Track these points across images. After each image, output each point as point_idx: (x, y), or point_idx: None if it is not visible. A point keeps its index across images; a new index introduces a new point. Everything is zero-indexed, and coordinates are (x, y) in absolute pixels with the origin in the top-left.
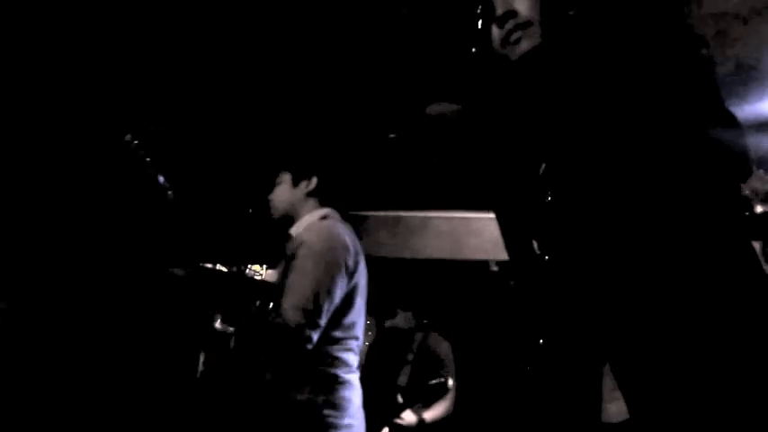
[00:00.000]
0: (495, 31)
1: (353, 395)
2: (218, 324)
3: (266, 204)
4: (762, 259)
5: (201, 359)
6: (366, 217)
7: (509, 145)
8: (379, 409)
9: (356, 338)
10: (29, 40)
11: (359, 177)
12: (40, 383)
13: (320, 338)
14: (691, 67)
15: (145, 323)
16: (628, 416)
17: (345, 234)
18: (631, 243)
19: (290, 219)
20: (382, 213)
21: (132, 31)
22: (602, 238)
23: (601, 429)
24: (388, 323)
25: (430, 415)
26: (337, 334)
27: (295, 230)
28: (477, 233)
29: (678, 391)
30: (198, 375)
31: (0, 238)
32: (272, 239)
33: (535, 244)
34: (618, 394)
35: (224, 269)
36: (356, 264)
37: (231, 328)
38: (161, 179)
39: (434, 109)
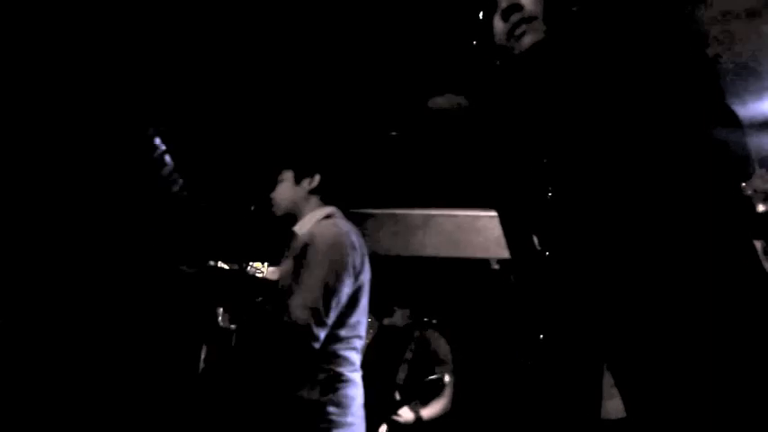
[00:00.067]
0: (499, 24)
1: (356, 393)
2: (221, 320)
3: (268, 202)
4: (763, 258)
5: (203, 356)
6: (367, 215)
7: (511, 141)
8: (377, 407)
9: (360, 337)
10: (36, 38)
11: (360, 175)
12: (41, 377)
13: (326, 337)
14: (694, 66)
15: (147, 319)
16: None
17: (352, 233)
18: (632, 241)
19: (292, 217)
20: (384, 211)
21: (134, 30)
22: (604, 236)
23: (600, 426)
24: (386, 321)
25: (427, 412)
26: (342, 333)
27: (299, 228)
28: (478, 231)
29: (677, 389)
30: (199, 372)
31: (3, 232)
32: (274, 237)
33: (536, 241)
34: (617, 391)
35: (225, 267)
36: (362, 263)
37: (233, 326)
38: (175, 175)
39: (437, 102)
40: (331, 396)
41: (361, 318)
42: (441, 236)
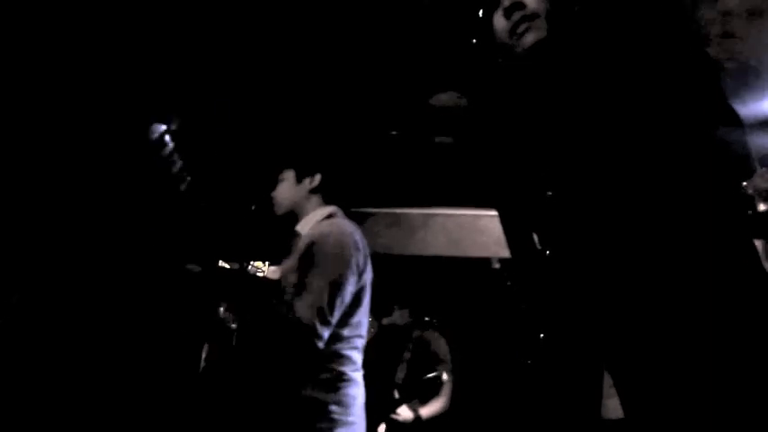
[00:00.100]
0: (501, 22)
1: (358, 393)
2: (222, 315)
3: (269, 201)
4: (764, 257)
5: (204, 355)
6: (368, 214)
7: (511, 140)
8: (376, 406)
9: (361, 337)
10: (43, 36)
11: (361, 174)
12: (47, 375)
13: (329, 336)
14: (695, 66)
15: (149, 318)
16: None
17: (355, 233)
18: (632, 240)
19: (293, 216)
20: (384, 210)
21: (136, 29)
22: (604, 235)
23: (600, 425)
24: (385, 320)
25: (426, 411)
26: (345, 332)
27: (301, 228)
28: (479, 230)
29: (677, 388)
30: (200, 370)
31: (11, 231)
32: (275, 237)
33: (536, 240)
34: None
35: (226, 266)
36: (365, 263)
37: (234, 325)
38: (175, 155)
39: (439, 100)
40: (333, 395)
41: (363, 317)
42: (441, 235)
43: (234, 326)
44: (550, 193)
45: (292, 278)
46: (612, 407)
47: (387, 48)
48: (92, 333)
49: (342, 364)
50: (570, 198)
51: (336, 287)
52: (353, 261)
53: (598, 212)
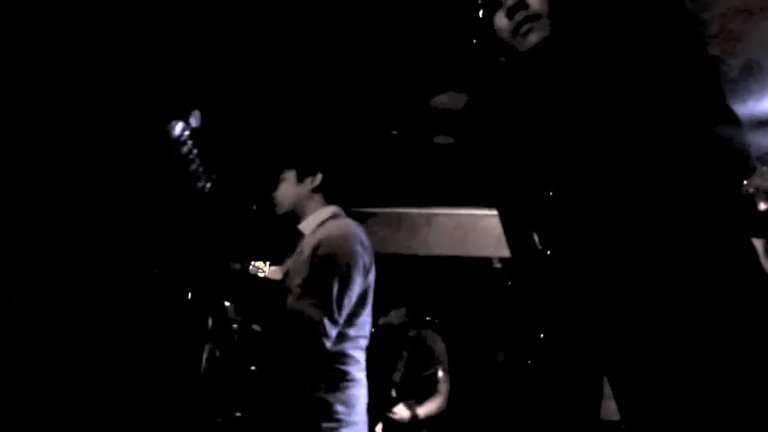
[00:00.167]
0: (504, 22)
1: (362, 393)
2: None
3: (270, 201)
4: (764, 256)
5: (205, 355)
6: (369, 213)
7: (513, 140)
8: (373, 405)
9: (366, 337)
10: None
11: (362, 174)
12: (47, 375)
13: (336, 336)
14: (695, 65)
15: (149, 317)
16: None
17: (361, 233)
18: (632, 239)
19: (294, 215)
20: (385, 210)
21: (135, 28)
22: (604, 235)
23: (600, 426)
24: (381, 320)
25: (423, 410)
26: (352, 332)
27: (305, 227)
28: (480, 230)
29: (675, 389)
30: (201, 371)
31: (12, 231)
32: (276, 237)
33: (537, 240)
34: None
35: (235, 266)
36: (371, 262)
37: (234, 325)
38: (201, 170)
39: (440, 101)
40: (339, 395)
41: (367, 317)
42: (442, 235)
43: (234, 326)
44: (551, 193)
45: (298, 278)
46: (612, 408)
47: (387, 47)
48: (92, 333)
49: (347, 364)
50: (571, 198)
51: (345, 287)
52: (361, 261)
53: (598, 212)
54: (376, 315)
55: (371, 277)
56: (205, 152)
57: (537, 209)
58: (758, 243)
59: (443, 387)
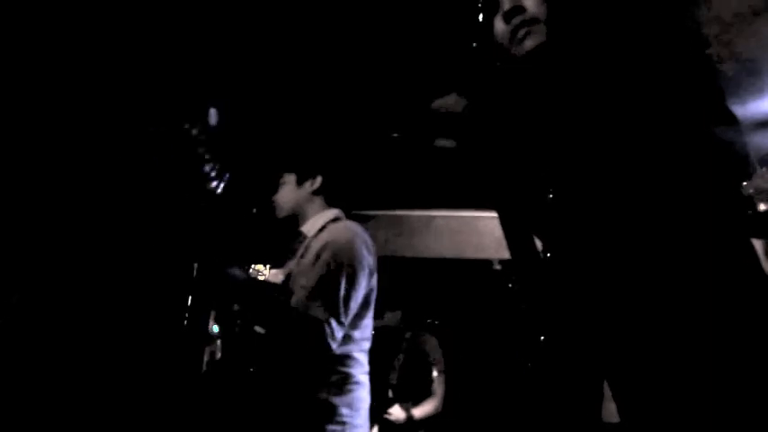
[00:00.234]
0: (501, 26)
1: (366, 396)
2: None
3: (270, 205)
4: (764, 257)
5: (206, 358)
6: (369, 216)
7: (512, 143)
8: (369, 406)
9: (369, 339)
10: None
11: (362, 177)
12: (47, 375)
13: (341, 338)
14: (694, 67)
15: (150, 318)
16: None
17: (365, 235)
18: (632, 241)
19: (295, 219)
20: (385, 212)
21: (133, 29)
22: (604, 237)
23: (600, 428)
24: (376, 323)
25: (419, 412)
26: (356, 334)
27: (307, 230)
28: (479, 232)
29: (675, 392)
30: (202, 372)
31: (12, 231)
32: (275, 240)
33: (537, 242)
34: None
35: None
36: (375, 265)
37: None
38: (215, 170)
39: (440, 104)
40: (344, 398)
41: (370, 320)
42: (442, 237)
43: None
44: (551, 195)
45: (302, 280)
46: (613, 410)
47: (387, 50)
48: (92, 334)
49: (351, 366)
50: (570, 200)
51: (351, 288)
52: (366, 262)
53: (598, 215)
54: (376, 316)
55: (375, 279)
56: (218, 153)
57: (537, 211)
58: (758, 244)
59: (439, 389)
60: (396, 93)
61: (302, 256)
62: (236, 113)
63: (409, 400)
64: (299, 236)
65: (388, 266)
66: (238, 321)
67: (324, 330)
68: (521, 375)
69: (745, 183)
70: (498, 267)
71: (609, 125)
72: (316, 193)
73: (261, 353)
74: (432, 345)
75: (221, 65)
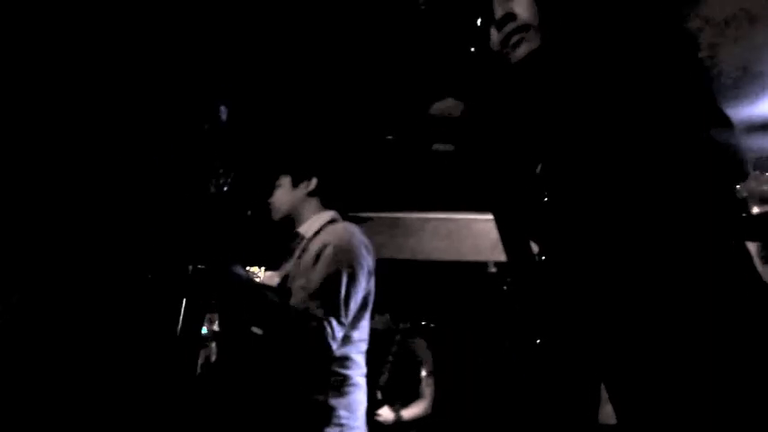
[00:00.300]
0: (494, 33)
1: (363, 398)
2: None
3: (265, 207)
4: (758, 260)
5: (201, 360)
6: (364, 218)
7: (507, 145)
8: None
9: (366, 341)
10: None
11: (357, 179)
12: (47, 375)
13: (341, 339)
14: (686, 70)
15: (148, 319)
16: None
17: (363, 236)
18: (627, 244)
19: (290, 220)
20: (380, 215)
21: (129, 30)
22: (599, 239)
23: (598, 430)
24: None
25: (408, 413)
26: (355, 335)
27: (305, 231)
28: (475, 234)
29: (673, 393)
30: (197, 374)
31: (11, 231)
32: (270, 242)
33: (533, 245)
34: None
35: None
36: (373, 266)
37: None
38: (222, 169)
39: (439, 108)
40: (342, 400)
41: (367, 321)
42: (437, 239)
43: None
44: (546, 199)
45: (301, 281)
46: (610, 412)
47: (384, 53)
48: (90, 335)
49: (349, 368)
50: (566, 204)
51: (352, 288)
52: (365, 263)
53: (593, 217)
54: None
55: (373, 281)
56: (227, 150)
57: (532, 215)
58: (752, 246)
59: (428, 390)
60: (393, 96)
61: (300, 258)
62: (232, 115)
63: (398, 402)
64: (296, 237)
65: (384, 268)
66: (238, 322)
67: (324, 329)
68: (516, 377)
69: (738, 186)
70: (494, 270)
71: (603, 128)
72: (311, 194)
73: (258, 354)
74: (421, 346)
75: (217, 68)
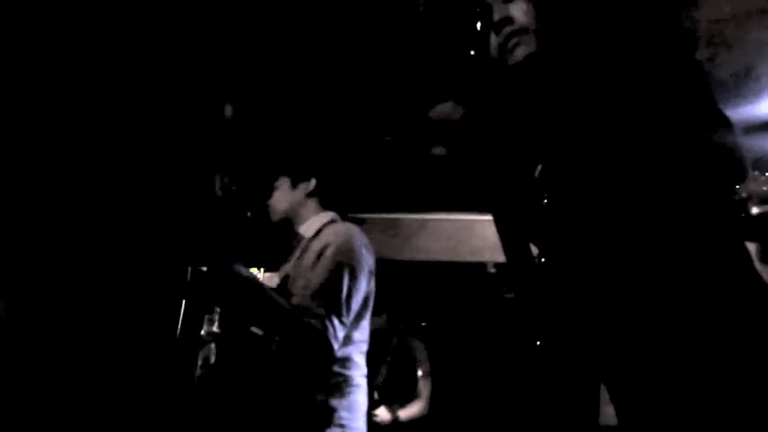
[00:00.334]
0: (492, 37)
1: (364, 399)
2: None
3: (264, 209)
4: (757, 260)
5: (200, 361)
6: (364, 219)
7: (506, 148)
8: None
9: (366, 341)
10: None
11: (356, 179)
12: (45, 378)
13: (342, 339)
14: (685, 71)
15: (146, 321)
16: None
17: (363, 237)
18: (626, 245)
19: (289, 221)
20: (380, 215)
21: (128, 31)
22: (598, 241)
23: (598, 431)
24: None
25: (405, 414)
26: (356, 335)
27: (305, 231)
28: (474, 235)
29: (673, 394)
30: (196, 376)
31: (9, 231)
32: (269, 243)
33: (532, 246)
34: None
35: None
36: (374, 266)
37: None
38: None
39: (438, 112)
40: (343, 401)
41: (368, 322)
42: (437, 240)
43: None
44: (546, 201)
45: (301, 281)
46: (611, 413)
47: (381, 53)
48: (92, 335)
49: (350, 369)
50: (565, 205)
51: (353, 288)
52: (366, 263)
53: (592, 218)
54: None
55: (373, 281)
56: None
57: (532, 216)
58: (752, 247)
59: (424, 390)
60: (392, 98)
61: (300, 258)
62: (231, 116)
63: (395, 402)
64: (296, 238)
65: (383, 269)
66: (238, 322)
67: (326, 329)
68: (511, 378)
69: (738, 186)
70: (493, 270)
71: (602, 130)
72: (310, 195)
73: (259, 355)
74: (418, 347)
75: (216, 68)
